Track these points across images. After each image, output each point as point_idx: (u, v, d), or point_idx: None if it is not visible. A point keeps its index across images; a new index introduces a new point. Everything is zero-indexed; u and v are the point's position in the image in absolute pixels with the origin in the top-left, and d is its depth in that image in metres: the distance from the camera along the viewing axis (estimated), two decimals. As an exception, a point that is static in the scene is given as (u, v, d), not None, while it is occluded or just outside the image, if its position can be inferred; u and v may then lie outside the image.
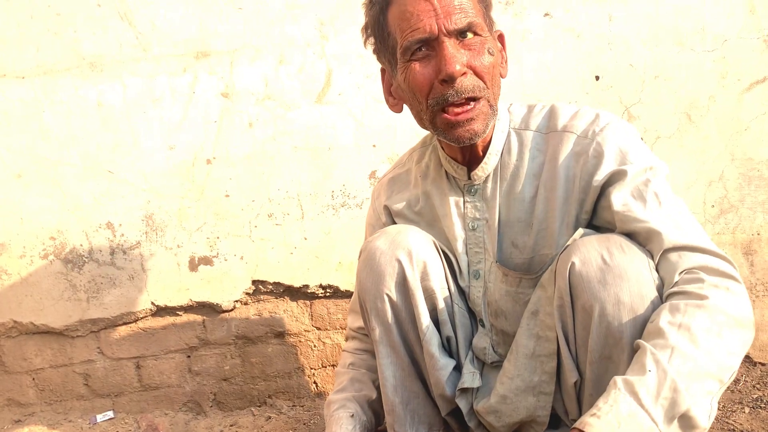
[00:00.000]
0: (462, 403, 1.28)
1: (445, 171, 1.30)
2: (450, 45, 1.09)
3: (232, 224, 1.91)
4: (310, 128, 1.89)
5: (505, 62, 1.22)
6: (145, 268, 1.92)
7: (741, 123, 1.87)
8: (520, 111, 1.27)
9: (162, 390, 1.99)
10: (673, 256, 1.03)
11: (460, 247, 1.28)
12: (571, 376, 1.12)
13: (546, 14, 1.85)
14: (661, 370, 0.91)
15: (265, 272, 1.93)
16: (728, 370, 0.95)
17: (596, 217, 1.17)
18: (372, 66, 1.83)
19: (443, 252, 1.29)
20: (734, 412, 1.70)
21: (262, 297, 1.96)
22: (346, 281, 1.94)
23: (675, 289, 0.99)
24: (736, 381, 1.84)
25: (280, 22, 1.85)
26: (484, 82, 1.12)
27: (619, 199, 1.10)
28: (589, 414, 0.91)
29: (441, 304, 1.26)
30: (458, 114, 1.12)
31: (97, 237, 1.90)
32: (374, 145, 1.90)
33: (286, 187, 1.91)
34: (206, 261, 1.93)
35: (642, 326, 1.00)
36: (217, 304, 1.94)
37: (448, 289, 1.28)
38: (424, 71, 1.12)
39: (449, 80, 1.09)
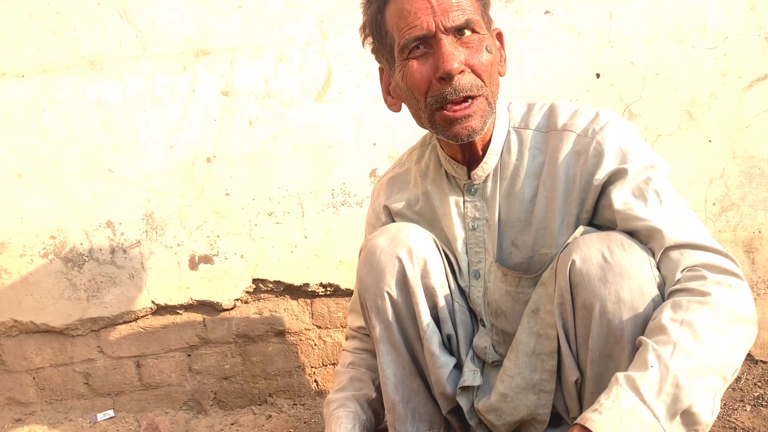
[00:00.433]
0: (463, 402, 1.28)
1: (445, 171, 1.30)
2: (448, 42, 1.09)
3: (233, 223, 1.91)
4: (310, 127, 1.89)
5: (504, 61, 1.22)
6: (145, 266, 1.92)
7: (742, 120, 1.86)
8: (519, 110, 1.26)
9: (162, 389, 1.99)
10: (675, 254, 1.02)
11: (460, 246, 1.28)
12: (571, 374, 1.12)
13: (546, 12, 1.85)
14: (664, 366, 0.90)
15: (265, 271, 1.93)
16: (731, 367, 0.95)
17: (597, 216, 1.16)
18: (372, 64, 1.82)
19: (443, 252, 1.29)
20: (735, 410, 1.70)
21: (262, 296, 1.96)
22: (347, 280, 1.94)
23: (677, 286, 0.99)
24: (738, 379, 1.84)
25: (280, 21, 1.85)
26: (482, 81, 1.12)
27: (620, 198, 1.09)
28: (591, 409, 0.91)
29: (441, 302, 1.26)
30: (456, 111, 1.11)
31: (97, 236, 1.90)
32: (374, 144, 1.90)
33: (286, 186, 1.91)
34: (206, 260, 1.92)
35: (643, 324, 1.00)
36: (217, 302, 1.94)
37: (449, 286, 1.28)
38: (421, 69, 1.12)
39: (447, 78, 1.09)
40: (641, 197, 1.08)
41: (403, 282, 1.24)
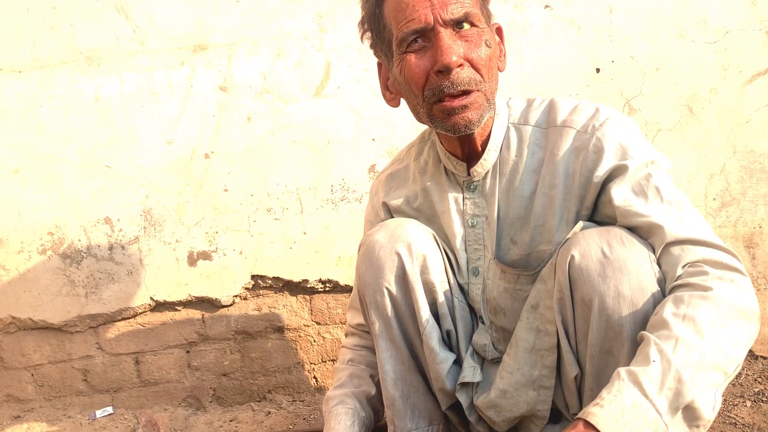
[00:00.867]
0: (462, 398, 1.28)
1: (444, 167, 1.29)
2: (446, 35, 1.08)
3: (231, 219, 1.91)
4: (309, 122, 1.88)
5: (504, 56, 1.21)
6: (143, 263, 1.91)
7: (742, 115, 1.85)
8: (519, 105, 1.25)
9: (161, 385, 1.98)
10: (676, 250, 1.02)
11: (459, 243, 1.27)
12: (571, 370, 1.11)
13: (546, 6, 1.84)
14: (665, 361, 0.90)
15: (264, 267, 1.93)
16: (733, 362, 0.94)
17: (597, 213, 1.16)
18: (371, 59, 1.81)
19: (442, 249, 1.28)
20: (736, 405, 1.69)
21: (261, 292, 1.96)
22: (346, 276, 1.94)
23: (679, 281, 0.98)
24: (738, 375, 1.83)
25: (278, 15, 1.84)
26: (481, 75, 1.11)
27: (620, 194, 1.09)
28: (593, 404, 0.91)
29: (441, 298, 1.26)
30: (454, 102, 1.10)
31: (95, 232, 1.89)
32: (373, 139, 1.89)
33: (285, 182, 1.90)
34: (205, 256, 1.92)
35: (642, 319, 0.99)
36: (216, 299, 1.93)
37: (448, 282, 1.27)
38: (419, 62, 1.11)
39: (445, 71, 1.08)
40: (642, 193, 1.08)
41: (403, 277, 1.23)
